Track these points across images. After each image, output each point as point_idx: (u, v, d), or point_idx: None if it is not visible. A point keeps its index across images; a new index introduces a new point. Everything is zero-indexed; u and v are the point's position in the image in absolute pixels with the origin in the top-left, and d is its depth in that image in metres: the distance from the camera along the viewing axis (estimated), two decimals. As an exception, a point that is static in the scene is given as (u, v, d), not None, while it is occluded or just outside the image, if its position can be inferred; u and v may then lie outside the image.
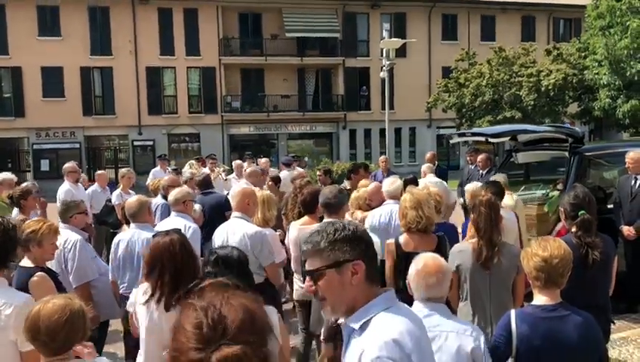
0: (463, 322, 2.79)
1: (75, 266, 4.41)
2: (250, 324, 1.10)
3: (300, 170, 11.54)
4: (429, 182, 7.38)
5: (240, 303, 1.13)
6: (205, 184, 7.06)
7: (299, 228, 4.68)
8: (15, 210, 6.27)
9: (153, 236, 3.21)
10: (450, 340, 2.56)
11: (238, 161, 12.12)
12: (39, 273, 3.58)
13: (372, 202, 5.46)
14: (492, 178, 6.11)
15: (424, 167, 8.87)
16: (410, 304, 2.46)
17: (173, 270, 2.94)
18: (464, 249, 3.81)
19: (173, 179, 7.35)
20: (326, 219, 4.11)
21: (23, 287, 3.47)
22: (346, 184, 8.24)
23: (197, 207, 5.60)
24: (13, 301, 2.86)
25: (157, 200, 6.72)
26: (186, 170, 12.89)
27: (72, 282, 4.38)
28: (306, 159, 23.03)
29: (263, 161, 12.75)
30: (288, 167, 11.19)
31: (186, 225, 4.77)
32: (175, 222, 4.81)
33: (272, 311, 2.87)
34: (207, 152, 23.72)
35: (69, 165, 9.05)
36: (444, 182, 8.51)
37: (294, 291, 4.99)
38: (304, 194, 4.90)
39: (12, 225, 3.19)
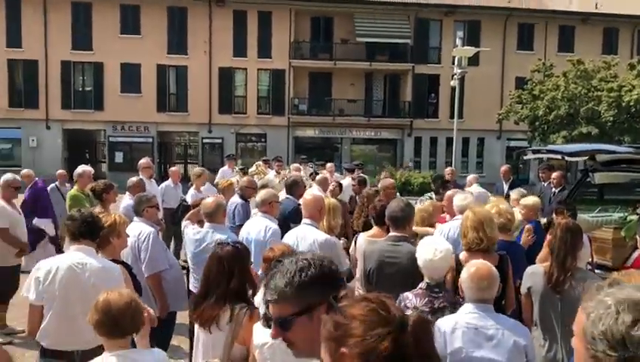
0: (515, 323, 3.01)
1: (147, 256, 4.58)
2: None
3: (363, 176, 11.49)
4: (475, 191, 7.19)
5: None
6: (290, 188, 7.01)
7: (367, 240, 4.67)
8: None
9: (217, 245, 3.23)
10: (507, 336, 2.84)
11: (296, 165, 12.18)
12: (119, 266, 3.75)
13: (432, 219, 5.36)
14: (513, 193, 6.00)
15: (470, 177, 8.68)
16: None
17: (225, 284, 2.96)
18: (536, 271, 3.77)
19: (250, 180, 7.50)
20: (392, 233, 4.13)
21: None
22: (432, 197, 7.86)
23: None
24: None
25: (234, 200, 6.89)
26: (252, 170, 13.18)
27: (145, 271, 4.55)
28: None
29: (328, 166, 12.83)
30: (352, 173, 11.14)
31: (267, 226, 4.91)
32: (259, 221, 5.01)
33: None
34: (273, 152, 24.20)
35: (143, 161, 9.27)
36: (488, 193, 8.24)
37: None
38: (377, 205, 4.87)
39: (92, 215, 3.55)
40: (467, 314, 2.94)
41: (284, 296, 1.61)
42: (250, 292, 3.09)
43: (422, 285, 3.40)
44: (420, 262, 3.45)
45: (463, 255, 3.94)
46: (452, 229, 4.96)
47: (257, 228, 4.95)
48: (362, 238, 4.80)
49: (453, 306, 3.24)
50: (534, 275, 3.75)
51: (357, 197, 7.87)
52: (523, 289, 3.84)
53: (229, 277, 2.96)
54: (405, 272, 3.62)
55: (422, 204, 5.83)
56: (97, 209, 6.35)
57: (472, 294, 2.95)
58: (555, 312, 3.61)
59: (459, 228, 4.83)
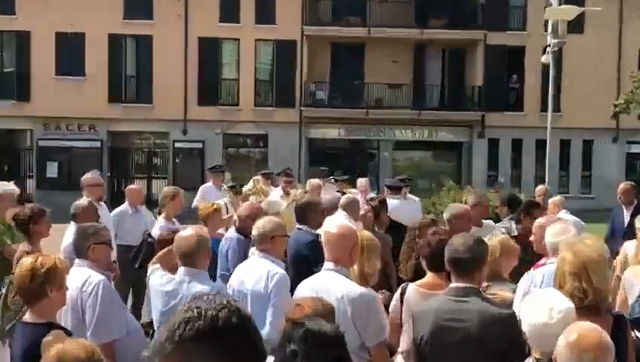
0: None
1: (95, 318, 4.56)
2: None
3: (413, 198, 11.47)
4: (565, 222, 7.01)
5: None
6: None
7: (418, 292, 4.64)
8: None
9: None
10: None
11: (315, 181, 12.18)
12: (55, 331, 3.74)
13: None
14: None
15: (555, 200, 8.47)
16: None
17: None
18: None
19: (253, 207, 7.44)
20: (454, 284, 4.09)
21: (34, 350, 3.65)
22: (513, 228, 7.91)
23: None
24: None
25: (229, 235, 6.93)
26: (248, 189, 13.22)
27: (91, 339, 4.51)
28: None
29: (360, 182, 12.80)
30: (397, 192, 11.11)
31: (270, 271, 4.91)
32: (258, 265, 5.02)
33: None
34: (276, 161, 24.24)
35: (89, 176, 9.25)
36: (582, 223, 8.13)
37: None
38: (430, 243, 4.84)
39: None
40: None
41: (162, 352, 1.63)
42: None
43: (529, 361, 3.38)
44: (526, 329, 3.43)
45: None
46: (546, 277, 4.90)
47: (255, 275, 4.96)
48: (412, 291, 4.77)
49: None
50: None
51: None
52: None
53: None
54: (476, 342, 3.57)
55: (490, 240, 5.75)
56: (22, 246, 6.44)
57: None
58: None
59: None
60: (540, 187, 11.46)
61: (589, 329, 3.02)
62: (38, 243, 6.52)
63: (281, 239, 5.29)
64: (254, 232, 5.28)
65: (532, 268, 5.65)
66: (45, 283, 3.81)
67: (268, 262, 5.01)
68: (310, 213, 6.55)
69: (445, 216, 6.95)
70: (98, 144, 31.37)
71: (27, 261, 3.95)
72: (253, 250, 5.49)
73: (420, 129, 33.12)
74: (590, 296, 3.78)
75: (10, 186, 8.11)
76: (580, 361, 2.91)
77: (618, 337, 3.69)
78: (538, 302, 3.47)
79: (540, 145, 26.13)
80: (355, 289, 4.30)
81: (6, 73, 31.28)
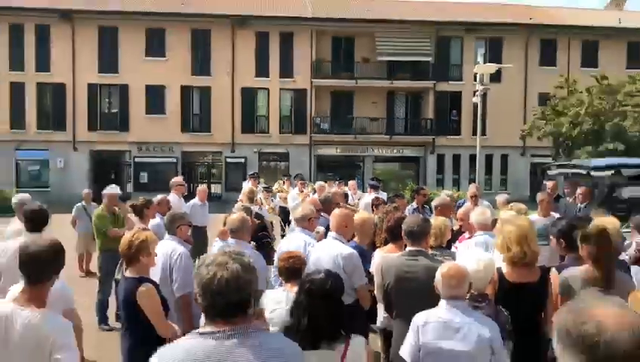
0: (481, 317, 3.21)
1: (180, 276, 4.56)
2: None
3: (383, 193, 11.49)
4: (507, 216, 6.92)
5: None
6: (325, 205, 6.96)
7: (383, 256, 4.65)
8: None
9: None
10: (473, 329, 3.08)
11: (321, 183, 12.22)
12: (147, 283, 3.78)
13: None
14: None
15: (501, 198, 8.32)
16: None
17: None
18: (574, 275, 3.78)
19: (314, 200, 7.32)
20: (409, 248, 4.11)
21: (131, 297, 3.70)
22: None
23: (320, 228, 5.68)
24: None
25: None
26: (276, 188, 13.27)
27: (176, 291, 4.52)
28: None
29: (350, 183, 12.85)
30: (376, 190, 11.13)
31: (307, 241, 4.93)
32: (299, 236, 5.07)
33: (360, 342, 2.88)
34: (295, 171, 24.31)
35: (177, 179, 9.49)
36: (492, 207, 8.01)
37: (378, 320, 4.97)
38: (391, 221, 4.86)
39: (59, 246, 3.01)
40: (439, 310, 3.18)
41: None
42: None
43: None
44: None
45: (505, 268, 3.92)
46: (476, 243, 4.92)
47: (296, 243, 4.99)
48: (379, 254, 4.81)
49: (496, 315, 3.35)
50: (574, 279, 3.76)
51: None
52: (559, 290, 3.82)
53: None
54: (424, 287, 3.59)
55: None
56: (138, 224, 6.48)
57: (444, 291, 3.18)
58: None
59: (484, 246, 4.81)
60: (472, 185, 11.43)
61: (454, 264, 3.30)
62: (148, 222, 6.60)
63: (315, 220, 5.40)
64: (296, 215, 5.37)
65: (457, 241, 5.68)
66: (138, 252, 3.83)
67: (306, 236, 5.09)
68: (327, 204, 6.62)
69: (434, 204, 6.89)
70: (174, 160, 31.42)
71: (127, 236, 3.97)
72: (292, 227, 5.61)
73: (392, 148, 33.02)
74: (529, 256, 3.84)
75: (115, 188, 8.20)
76: (449, 283, 3.15)
77: (543, 280, 3.86)
78: (471, 257, 3.52)
79: (472, 158, 26.15)
80: (346, 249, 4.41)
81: (113, 112, 31.38)
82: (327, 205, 6.66)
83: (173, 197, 8.88)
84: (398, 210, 6.30)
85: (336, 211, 4.84)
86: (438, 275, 3.21)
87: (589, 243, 3.78)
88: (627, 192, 7.43)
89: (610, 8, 39.25)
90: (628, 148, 22.95)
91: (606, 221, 4.50)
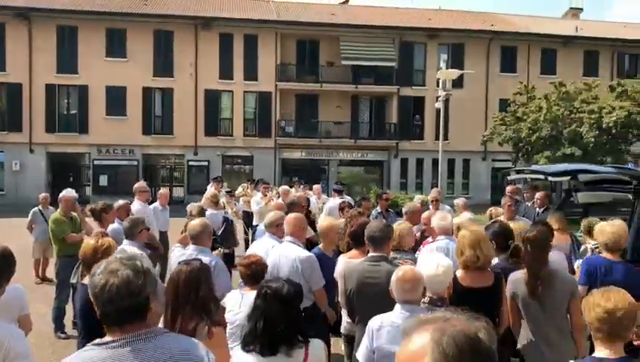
0: None
1: None
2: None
3: (347, 198, 11.54)
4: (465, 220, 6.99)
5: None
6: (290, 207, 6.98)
7: (346, 261, 4.64)
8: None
9: (182, 262, 3.30)
10: None
11: (285, 187, 12.18)
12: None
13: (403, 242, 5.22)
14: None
15: (460, 202, 8.41)
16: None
17: (194, 298, 3.01)
18: (518, 278, 4.05)
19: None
20: (371, 254, 4.13)
21: (91, 305, 3.58)
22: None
23: None
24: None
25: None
26: (239, 192, 13.17)
27: None
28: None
29: (315, 187, 12.85)
30: (340, 194, 11.15)
31: (275, 247, 4.96)
32: (267, 242, 5.16)
33: (319, 346, 2.88)
34: (259, 175, 24.13)
35: (140, 184, 9.12)
36: (452, 211, 8.16)
37: (342, 326, 4.96)
38: (354, 227, 4.85)
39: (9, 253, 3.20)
40: (394, 314, 3.24)
41: None
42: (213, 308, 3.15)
43: (425, 300, 3.45)
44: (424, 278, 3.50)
45: (459, 272, 3.99)
46: (438, 248, 4.98)
47: (264, 248, 5.03)
48: (342, 260, 4.78)
49: None
50: (516, 282, 4.04)
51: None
52: (508, 294, 4.09)
53: (195, 293, 3.03)
54: (385, 292, 3.62)
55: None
56: (97, 229, 6.33)
57: (398, 295, 3.24)
58: (538, 313, 3.96)
59: (446, 250, 4.87)
60: (434, 190, 11.58)
61: (409, 269, 3.35)
62: (107, 226, 6.45)
63: (282, 226, 5.39)
64: (266, 221, 5.45)
65: (422, 245, 5.73)
66: (102, 258, 3.74)
67: (273, 241, 5.14)
68: (293, 208, 6.67)
69: (404, 209, 6.92)
70: (135, 163, 30.86)
71: (91, 241, 3.91)
72: (261, 230, 5.77)
73: (356, 152, 33.21)
74: (481, 260, 3.93)
75: (72, 192, 8.00)
76: (403, 288, 3.21)
77: (497, 285, 3.98)
78: (430, 261, 3.57)
79: (435, 162, 26.48)
80: (303, 252, 4.47)
81: (71, 114, 30.61)
82: (293, 209, 6.65)
83: (137, 204, 8.57)
84: (362, 214, 6.31)
85: (290, 216, 4.90)
86: (392, 280, 3.26)
87: (524, 246, 4.11)
88: (583, 197, 7.64)
89: (567, 18, 40.50)
90: (584, 153, 23.70)
91: (515, 226, 4.83)
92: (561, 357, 3.82)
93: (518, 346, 4.20)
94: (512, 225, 5.18)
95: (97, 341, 1.94)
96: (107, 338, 1.92)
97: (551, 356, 3.90)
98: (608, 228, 4.53)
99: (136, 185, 9.04)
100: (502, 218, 7.43)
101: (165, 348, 1.92)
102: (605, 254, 4.53)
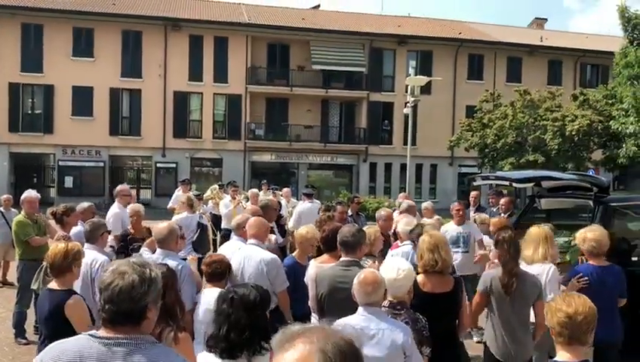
0: (394, 322, 3.27)
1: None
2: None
3: (317, 201, 11.53)
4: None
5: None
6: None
7: (317, 266, 4.61)
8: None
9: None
10: (386, 335, 3.13)
11: (254, 190, 12.09)
12: (75, 296, 3.66)
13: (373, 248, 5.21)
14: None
15: (428, 205, 8.52)
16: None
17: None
18: (493, 276, 4.30)
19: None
20: (343, 258, 4.13)
21: (59, 310, 3.53)
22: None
23: (272, 237, 5.66)
24: None
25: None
26: (208, 195, 13.03)
27: (98, 302, 4.37)
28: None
29: (285, 190, 12.81)
30: (310, 198, 11.10)
31: (240, 248, 4.98)
32: (234, 244, 5.22)
33: None
34: (229, 177, 23.95)
35: (123, 187, 8.29)
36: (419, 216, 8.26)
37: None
38: (325, 231, 4.80)
39: None
40: (356, 317, 3.22)
41: None
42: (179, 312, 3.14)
43: (385, 303, 3.45)
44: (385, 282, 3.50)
45: (420, 278, 4.01)
46: (402, 253, 5.03)
47: (231, 249, 5.04)
48: (313, 265, 4.74)
49: (414, 322, 3.40)
50: (491, 278, 4.29)
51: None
52: (480, 289, 4.34)
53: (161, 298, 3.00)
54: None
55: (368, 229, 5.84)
56: (59, 232, 6.19)
57: (360, 298, 3.23)
58: (508, 308, 4.21)
59: (408, 256, 4.92)
60: (401, 194, 11.70)
61: (370, 272, 3.33)
62: (69, 230, 6.30)
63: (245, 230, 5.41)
64: (233, 223, 5.58)
65: (390, 249, 5.77)
66: (72, 262, 3.71)
67: (239, 243, 5.14)
68: (266, 210, 6.57)
69: (377, 215, 6.91)
70: (102, 164, 30.28)
71: (61, 245, 3.83)
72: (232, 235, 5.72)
73: (326, 155, 33.26)
74: (439, 264, 3.96)
75: (35, 193, 7.78)
76: (364, 291, 3.19)
77: (456, 290, 4.01)
78: (391, 266, 3.60)
79: (403, 167, 26.74)
80: (268, 255, 4.50)
81: (36, 114, 29.88)
82: (266, 212, 6.62)
83: (116, 207, 7.80)
84: (332, 219, 6.31)
85: (251, 219, 4.96)
86: (354, 283, 3.26)
87: (496, 247, 4.39)
88: (546, 203, 7.83)
89: (532, 27, 41.46)
90: (547, 159, 24.28)
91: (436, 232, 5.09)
92: (524, 349, 4.24)
93: (484, 338, 4.52)
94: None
95: (92, 332, 2.00)
96: (102, 333, 1.97)
97: (514, 348, 4.20)
98: (589, 235, 4.61)
99: (118, 188, 8.18)
100: (452, 222, 7.61)
101: (154, 359, 1.94)
102: (592, 261, 4.63)
